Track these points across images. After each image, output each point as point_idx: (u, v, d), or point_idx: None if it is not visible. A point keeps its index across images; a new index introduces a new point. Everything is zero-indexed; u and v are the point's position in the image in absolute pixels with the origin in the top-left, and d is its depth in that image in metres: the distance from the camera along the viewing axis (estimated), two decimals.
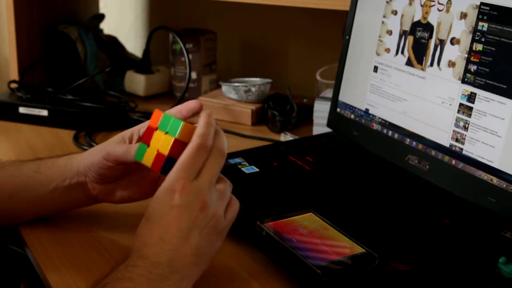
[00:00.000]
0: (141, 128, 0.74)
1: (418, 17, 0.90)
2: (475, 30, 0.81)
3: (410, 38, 0.91)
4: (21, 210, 0.77)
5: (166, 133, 0.64)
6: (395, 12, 0.94)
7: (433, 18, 0.87)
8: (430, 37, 0.87)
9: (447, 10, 0.85)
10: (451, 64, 0.84)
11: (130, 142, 0.73)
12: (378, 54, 0.96)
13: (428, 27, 0.88)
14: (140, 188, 0.75)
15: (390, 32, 0.94)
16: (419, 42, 0.89)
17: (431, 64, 0.87)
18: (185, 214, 0.61)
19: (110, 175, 0.74)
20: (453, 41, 0.84)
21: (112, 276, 0.58)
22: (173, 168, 0.61)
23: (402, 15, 0.92)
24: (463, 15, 0.82)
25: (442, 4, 0.86)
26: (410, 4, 0.91)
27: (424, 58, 0.88)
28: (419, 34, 0.89)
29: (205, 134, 0.62)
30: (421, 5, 0.89)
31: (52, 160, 0.77)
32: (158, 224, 0.61)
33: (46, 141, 1.13)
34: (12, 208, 0.76)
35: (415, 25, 0.90)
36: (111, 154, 0.72)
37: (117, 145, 0.72)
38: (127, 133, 0.74)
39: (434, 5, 0.87)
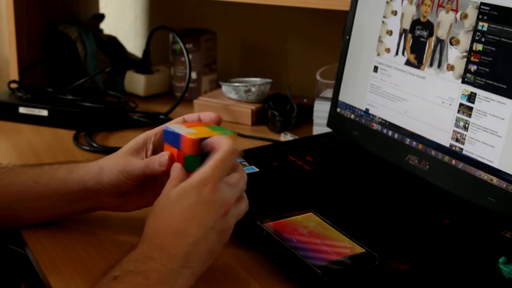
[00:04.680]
0: (153, 136, 0.73)
1: (418, 15, 0.90)
2: (475, 30, 0.81)
3: (409, 37, 0.91)
4: (22, 217, 0.77)
5: None
6: (395, 13, 0.94)
7: (433, 17, 0.87)
8: (430, 35, 0.87)
9: (447, 11, 0.85)
10: (450, 67, 0.84)
11: (146, 153, 0.73)
12: (378, 54, 0.96)
13: (428, 26, 0.88)
14: (155, 193, 0.75)
15: (390, 33, 0.94)
16: (419, 42, 0.89)
17: (431, 64, 0.87)
18: (212, 211, 0.62)
19: (128, 189, 0.73)
20: (453, 41, 0.84)
21: (124, 267, 0.58)
22: (205, 165, 0.63)
23: (403, 14, 0.92)
24: (464, 16, 0.82)
25: (442, 6, 0.86)
26: (411, 3, 0.91)
27: (424, 58, 0.88)
28: (418, 32, 0.89)
29: (235, 142, 0.66)
30: (420, 4, 0.89)
31: (51, 170, 0.75)
32: (183, 214, 0.61)
33: (46, 141, 1.13)
34: (12, 215, 0.76)
35: (415, 23, 0.90)
36: (132, 173, 0.71)
37: (133, 161, 0.71)
38: (139, 144, 0.73)
39: (433, 4, 0.87)
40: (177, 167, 0.66)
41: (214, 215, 0.62)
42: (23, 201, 0.75)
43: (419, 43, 0.89)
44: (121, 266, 0.58)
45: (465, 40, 0.82)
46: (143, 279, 0.57)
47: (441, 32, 0.86)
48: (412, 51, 0.91)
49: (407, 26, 0.91)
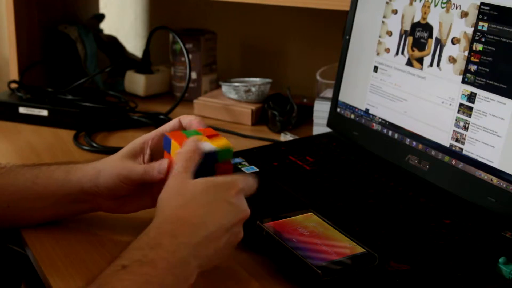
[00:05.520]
0: (150, 140, 0.74)
1: (418, 17, 0.90)
2: (475, 30, 0.81)
3: (410, 39, 0.91)
4: (21, 218, 0.77)
5: None
6: (395, 11, 0.94)
7: (432, 19, 0.87)
8: (430, 36, 0.87)
9: (447, 10, 0.85)
10: (452, 59, 0.84)
11: (143, 157, 0.73)
12: (378, 54, 0.96)
13: (428, 27, 0.88)
14: (152, 196, 0.74)
15: (390, 33, 0.94)
16: (419, 42, 0.89)
17: (431, 64, 0.87)
18: (232, 213, 0.63)
19: (125, 193, 0.73)
20: (454, 41, 0.84)
21: (132, 255, 0.57)
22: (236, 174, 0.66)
23: (403, 15, 0.92)
24: (464, 14, 0.82)
25: (442, 7, 0.86)
26: (411, 4, 0.91)
27: (424, 58, 0.88)
28: (418, 34, 0.89)
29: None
30: (421, 6, 0.89)
31: (49, 171, 0.75)
32: (204, 207, 0.62)
33: (46, 141, 1.13)
34: (11, 215, 0.76)
35: (415, 26, 0.90)
36: (130, 178, 0.71)
37: (131, 166, 0.71)
38: (136, 148, 0.73)
39: (432, 5, 0.87)
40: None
41: (232, 217, 0.63)
42: (21, 202, 0.75)
43: (419, 44, 0.89)
44: (129, 254, 0.57)
45: (465, 40, 0.82)
46: (151, 268, 0.56)
47: (441, 33, 0.86)
48: (412, 52, 0.90)
49: (407, 26, 0.91)
